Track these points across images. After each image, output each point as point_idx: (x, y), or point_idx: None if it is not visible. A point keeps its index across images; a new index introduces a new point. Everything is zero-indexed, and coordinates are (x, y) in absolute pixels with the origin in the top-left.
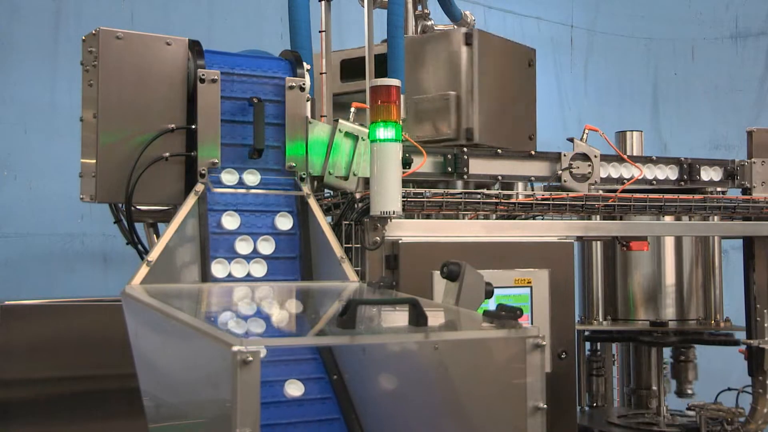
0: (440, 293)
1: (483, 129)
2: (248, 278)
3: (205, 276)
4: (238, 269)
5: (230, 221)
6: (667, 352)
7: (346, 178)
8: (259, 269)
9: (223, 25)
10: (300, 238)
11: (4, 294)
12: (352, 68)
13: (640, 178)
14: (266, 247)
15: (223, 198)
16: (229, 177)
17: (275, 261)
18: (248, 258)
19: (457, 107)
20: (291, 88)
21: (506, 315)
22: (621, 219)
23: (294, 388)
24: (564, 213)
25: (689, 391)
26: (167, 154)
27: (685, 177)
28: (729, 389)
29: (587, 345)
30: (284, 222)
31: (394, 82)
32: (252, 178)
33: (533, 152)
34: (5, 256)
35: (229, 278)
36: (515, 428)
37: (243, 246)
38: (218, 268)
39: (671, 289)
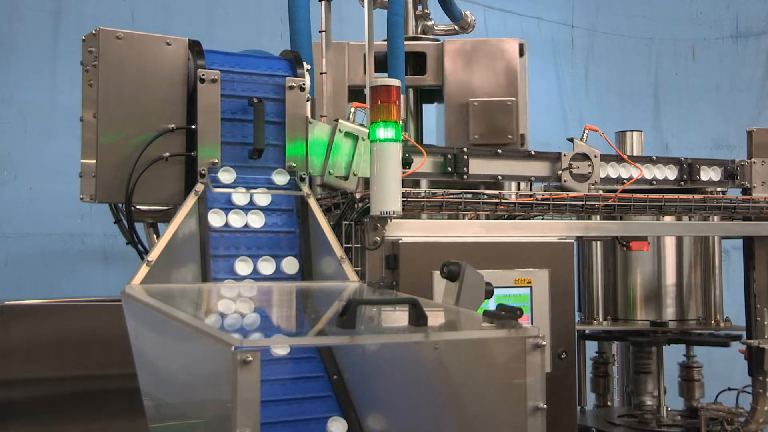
0: (440, 293)
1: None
2: (246, 229)
3: (206, 276)
4: (236, 219)
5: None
6: (675, 367)
7: (346, 178)
8: (256, 220)
9: (223, 25)
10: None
11: (4, 294)
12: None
13: (640, 178)
14: (263, 199)
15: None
16: (239, 196)
17: (272, 213)
18: (245, 209)
19: (516, 115)
20: (291, 88)
21: (506, 315)
22: (621, 219)
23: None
24: (564, 213)
25: (696, 405)
26: (167, 154)
27: (685, 177)
28: (729, 389)
29: (594, 345)
30: (280, 179)
31: (394, 82)
32: (263, 198)
33: (533, 152)
34: (5, 256)
35: (226, 228)
36: (515, 428)
37: (240, 198)
38: (215, 218)
39: (671, 289)
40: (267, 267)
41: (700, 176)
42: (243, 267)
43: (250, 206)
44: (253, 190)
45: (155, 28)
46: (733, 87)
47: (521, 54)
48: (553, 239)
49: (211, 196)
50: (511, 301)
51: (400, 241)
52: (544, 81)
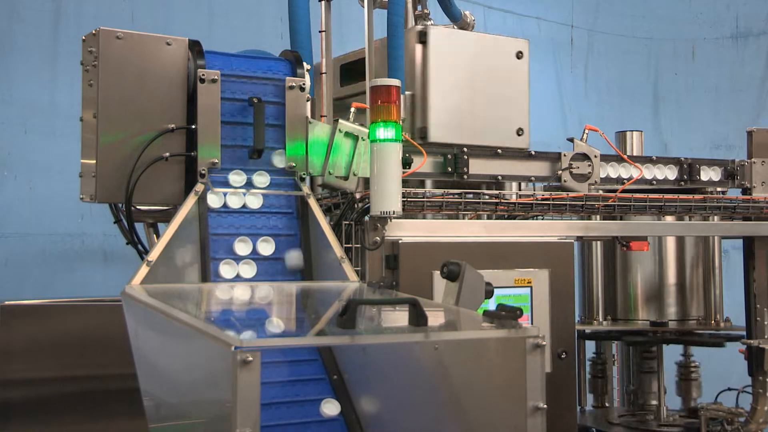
0: (440, 293)
1: (441, 127)
2: (244, 209)
3: (205, 276)
4: (234, 200)
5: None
6: (674, 367)
7: (346, 178)
8: (254, 201)
9: (223, 25)
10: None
11: (4, 294)
12: (351, 71)
13: (640, 178)
14: (261, 180)
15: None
16: (236, 178)
17: (270, 195)
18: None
19: (411, 107)
20: (291, 88)
21: (506, 315)
22: (621, 219)
23: None
24: (564, 213)
25: (693, 405)
26: (167, 154)
27: (685, 177)
28: (729, 389)
29: (593, 346)
30: (279, 160)
31: (394, 82)
32: (261, 179)
33: (533, 152)
34: (5, 256)
35: (224, 208)
36: (515, 428)
37: (236, 178)
38: (213, 199)
39: (671, 289)
40: (266, 248)
41: (700, 176)
42: (242, 247)
43: (248, 186)
44: (253, 190)
45: (155, 28)
46: (733, 87)
47: (423, 42)
48: (553, 239)
49: (209, 178)
50: (511, 301)
51: (400, 241)
52: (543, 81)
